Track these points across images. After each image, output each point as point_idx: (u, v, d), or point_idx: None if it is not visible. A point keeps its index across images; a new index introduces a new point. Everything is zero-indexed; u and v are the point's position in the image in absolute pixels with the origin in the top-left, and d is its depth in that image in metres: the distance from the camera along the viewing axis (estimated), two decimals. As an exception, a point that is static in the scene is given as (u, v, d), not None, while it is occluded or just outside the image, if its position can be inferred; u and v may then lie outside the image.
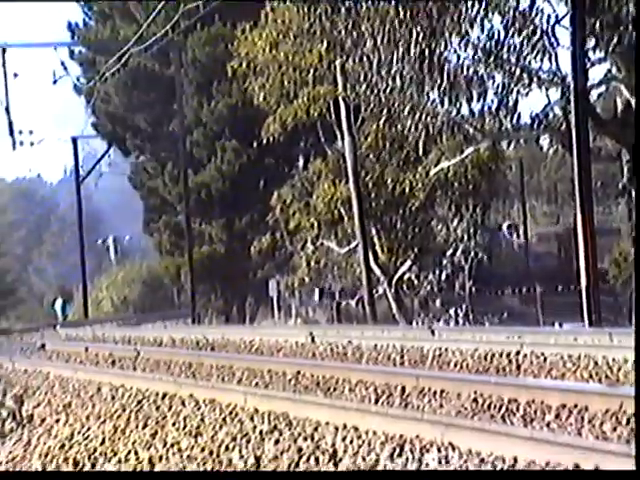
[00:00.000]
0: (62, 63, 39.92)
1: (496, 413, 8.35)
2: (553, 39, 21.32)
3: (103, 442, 8.64)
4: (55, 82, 38.91)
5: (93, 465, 7.86)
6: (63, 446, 8.71)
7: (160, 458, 7.69)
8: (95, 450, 8.33)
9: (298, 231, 31.72)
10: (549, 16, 21.35)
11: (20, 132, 41.65)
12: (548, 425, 7.68)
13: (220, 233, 40.31)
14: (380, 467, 6.60)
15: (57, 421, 10.25)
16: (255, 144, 36.64)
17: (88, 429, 9.39)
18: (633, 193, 21.91)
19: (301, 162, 35.89)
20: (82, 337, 27.34)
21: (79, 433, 9.26)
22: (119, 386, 12.21)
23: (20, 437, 9.78)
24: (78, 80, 42.51)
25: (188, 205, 38.06)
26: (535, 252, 46.57)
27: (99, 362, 17.35)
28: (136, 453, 7.97)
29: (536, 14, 21.30)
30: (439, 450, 6.73)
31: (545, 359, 11.91)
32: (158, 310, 47.40)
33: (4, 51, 37.55)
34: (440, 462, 6.49)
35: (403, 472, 6.53)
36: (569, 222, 56.41)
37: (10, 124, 39.34)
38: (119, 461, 7.86)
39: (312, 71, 29.38)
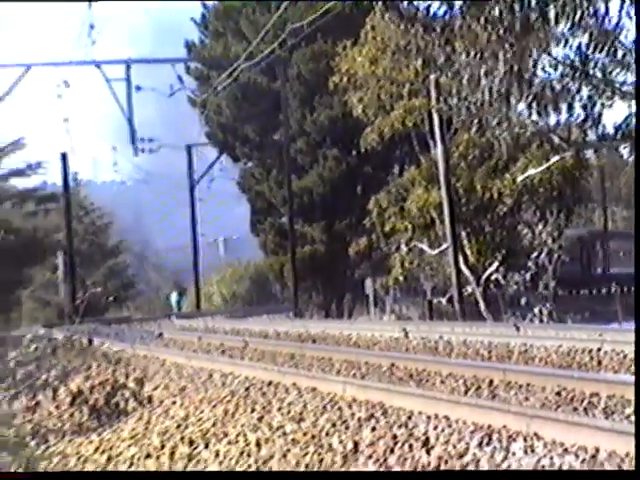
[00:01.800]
0: (179, 78, 40.49)
1: (579, 406, 8.26)
2: (635, 54, 20.91)
3: (215, 424, 8.75)
4: (172, 94, 39.51)
5: (206, 445, 7.97)
6: (179, 426, 8.85)
7: (266, 440, 7.75)
8: (208, 431, 8.44)
9: (393, 234, 31.62)
10: (631, 32, 20.95)
11: (141, 140, 42.34)
12: (628, 418, 7.57)
13: (321, 234, 40.43)
14: (469, 455, 6.58)
15: (173, 403, 10.41)
16: (354, 152, 36.76)
17: (201, 412, 9.51)
18: None
19: (397, 169, 35.80)
20: (195, 327, 27.65)
21: (193, 415, 9.39)
22: (229, 373, 12.32)
23: (141, 416, 9.96)
24: (193, 93, 43.06)
25: (292, 208, 38.30)
26: None
27: (210, 351, 17.55)
28: (244, 435, 8.04)
29: (620, 32, 20.92)
30: (525, 440, 6.69)
31: (625, 356, 11.72)
32: (263, 305, 47.69)
33: (128, 67, 38.22)
34: (526, 452, 6.45)
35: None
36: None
37: (132, 133, 40.00)
38: (229, 442, 7.94)
39: (408, 85, 29.33)
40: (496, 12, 20.37)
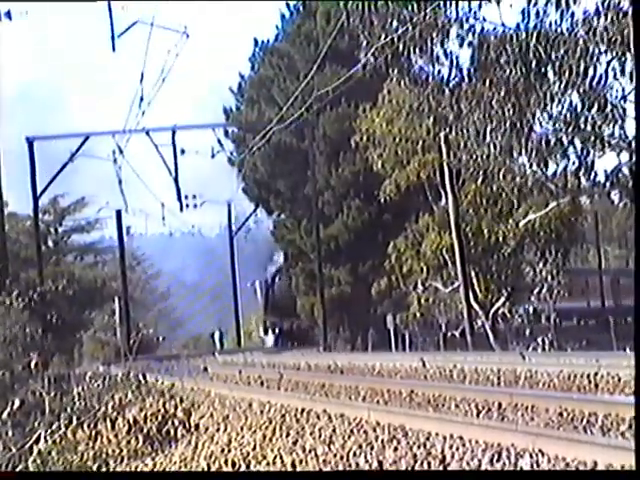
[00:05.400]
0: (219, 141, 40.83)
1: (579, 424, 8.20)
2: (622, 111, 20.94)
3: (255, 448, 8.71)
4: (213, 156, 39.83)
5: (247, 466, 7.95)
6: (223, 450, 8.82)
7: (300, 462, 7.71)
8: (248, 454, 8.40)
9: (410, 274, 31.63)
10: (617, 91, 21.01)
11: (186, 197, 42.66)
12: (623, 434, 7.52)
13: (346, 277, 40.43)
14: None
15: (218, 430, 10.37)
16: (375, 203, 36.82)
17: (243, 437, 9.48)
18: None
19: (413, 217, 35.83)
20: (236, 362, 27.56)
21: (235, 440, 9.37)
22: (266, 402, 12.26)
23: (189, 442, 9.96)
24: (231, 154, 43.39)
25: (320, 254, 38.40)
26: None
27: (250, 383, 17.51)
28: (281, 457, 8.00)
29: (608, 90, 20.97)
30: (531, 456, 6.65)
31: (619, 379, 11.63)
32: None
33: (174, 132, 38.60)
34: (532, 466, 6.42)
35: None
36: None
37: (178, 191, 40.31)
38: (267, 464, 7.91)
39: (421, 142, 29.49)
40: (499, 75, 20.52)
